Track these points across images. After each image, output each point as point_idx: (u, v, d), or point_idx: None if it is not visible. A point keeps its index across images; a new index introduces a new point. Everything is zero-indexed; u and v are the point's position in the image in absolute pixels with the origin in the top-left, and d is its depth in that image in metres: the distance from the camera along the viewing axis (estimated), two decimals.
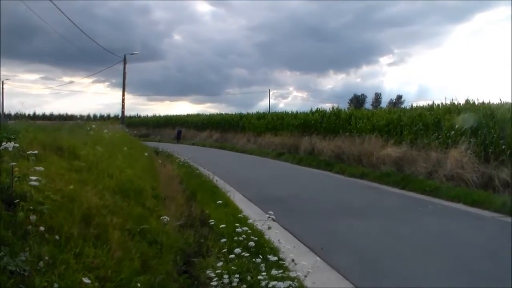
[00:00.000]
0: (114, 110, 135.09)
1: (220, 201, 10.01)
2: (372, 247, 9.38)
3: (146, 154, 19.58)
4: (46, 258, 4.39)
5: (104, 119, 64.03)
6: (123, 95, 51.20)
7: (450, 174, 16.78)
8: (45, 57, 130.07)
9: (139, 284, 4.97)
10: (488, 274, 7.69)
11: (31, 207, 4.95)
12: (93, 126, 17.01)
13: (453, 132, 17.79)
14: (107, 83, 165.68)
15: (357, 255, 8.80)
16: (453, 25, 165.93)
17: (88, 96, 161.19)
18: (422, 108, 24.09)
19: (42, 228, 4.63)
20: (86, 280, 4.31)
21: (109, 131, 17.60)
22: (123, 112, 52.37)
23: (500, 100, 19.35)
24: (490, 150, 15.95)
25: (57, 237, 4.85)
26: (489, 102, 19.96)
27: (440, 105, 22.67)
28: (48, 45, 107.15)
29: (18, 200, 4.98)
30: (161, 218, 7.46)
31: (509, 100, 19.11)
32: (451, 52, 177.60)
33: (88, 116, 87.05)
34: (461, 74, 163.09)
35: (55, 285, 4.06)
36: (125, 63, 49.86)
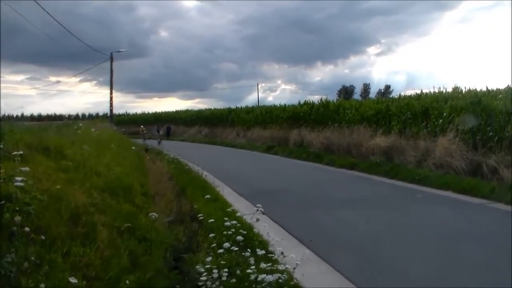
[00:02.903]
0: (102, 108, 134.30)
1: (208, 196, 9.99)
2: (362, 237, 9.42)
3: (133, 148, 19.54)
4: (33, 258, 4.37)
5: (92, 118, 63.99)
6: (111, 93, 51.14)
7: (439, 162, 16.85)
8: (30, 57, 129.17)
9: (128, 282, 4.95)
10: (478, 260, 7.73)
11: (17, 208, 4.92)
12: (80, 125, 16.94)
13: (441, 120, 17.84)
14: (94, 82, 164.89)
15: (347, 245, 8.84)
16: (440, 12, 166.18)
17: (75, 95, 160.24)
18: (410, 97, 24.12)
19: (27, 229, 4.59)
20: (72, 280, 4.29)
21: (97, 129, 17.54)
22: (111, 110, 52.23)
23: (487, 87, 19.48)
24: (478, 137, 16.00)
25: (42, 237, 4.82)
26: (476, 89, 20.06)
27: (428, 93, 22.77)
28: (34, 45, 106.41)
29: (3, 202, 4.94)
30: (150, 214, 7.45)
31: (495, 87, 19.24)
32: (439, 40, 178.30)
33: (77, 115, 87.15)
34: (449, 62, 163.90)
35: (42, 285, 4.04)
36: (112, 61, 49.73)
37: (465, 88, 20.83)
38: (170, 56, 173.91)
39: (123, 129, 42.73)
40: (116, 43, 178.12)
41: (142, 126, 53.09)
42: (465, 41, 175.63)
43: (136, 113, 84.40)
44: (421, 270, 7.32)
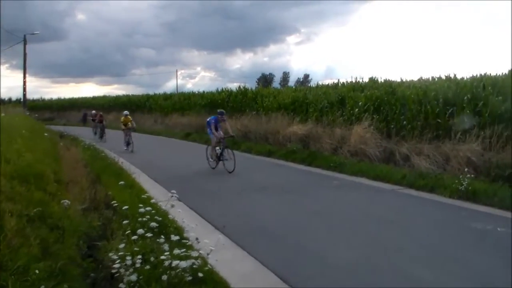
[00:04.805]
0: (16, 93, 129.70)
1: (122, 182, 9.85)
2: (277, 222, 9.50)
3: (46, 134, 19.05)
4: None
5: (4, 103, 61.78)
6: (24, 77, 49.78)
7: (354, 149, 17.29)
8: None
9: (37, 271, 4.82)
10: (390, 242, 7.96)
11: None
12: None
13: (356, 109, 18.24)
14: (6, 65, 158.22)
15: (262, 231, 8.88)
16: (358, 4, 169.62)
17: None
18: (328, 86, 24.66)
19: None
20: None
21: (7, 114, 16.98)
22: (24, 95, 50.86)
23: (401, 78, 20.16)
24: (392, 126, 16.45)
25: None
26: (391, 80, 20.75)
27: (345, 83, 23.29)
28: None
29: None
30: (62, 202, 7.27)
31: (409, 78, 19.92)
32: (357, 31, 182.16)
33: None
34: (367, 53, 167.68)
35: None
36: (25, 43, 48.35)
37: (381, 78, 21.48)
38: (87, 40, 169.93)
39: (36, 115, 41.59)
40: (30, 25, 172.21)
41: (126, 113, 28.28)
42: (381, 33, 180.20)
43: (52, 99, 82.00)
44: (336, 253, 7.45)
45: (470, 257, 7.22)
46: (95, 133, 34.64)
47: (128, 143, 24.95)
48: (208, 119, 18.26)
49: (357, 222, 9.53)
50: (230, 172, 16.03)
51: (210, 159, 17.73)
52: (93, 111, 39.77)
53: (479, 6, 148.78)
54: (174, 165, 18.55)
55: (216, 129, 17.62)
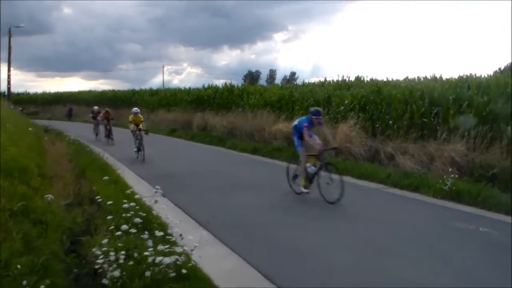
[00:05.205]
0: None
1: (106, 177, 9.77)
2: (261, 220, 9.53)
3: (30, 129, 18.92)
4: None
5: None
6: (9, 70, 49.50)
7: (339, 148, 17.27)
8: None
9: (19, 266, 4.79)
10: (374, 241, 8.00)
11: None
12: None
13: (342, 108, 18.26)
14: None
15: (245, 228, 8.90)
16: (345, 2, 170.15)
17: None
18: (314, 84, 24.68)
19: None
20: None
21: None
22: (9, 88, 50.50)
23: (387, 78, 20.24)
24: (377, 125, 16.50)
25: None
26: (377, 79, 20.83)
27: (332, 81, 23.34)
28: None
29: None
30: (45, 196, 7.23)
31: (395, 77, 19.99)
32: (344, 29, 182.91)
33: None
34: (354, 51, 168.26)
35: None
36: (10, 36, 47.96)
37: (367, 77, 21.57)
38: (73, 34, 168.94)
39: (21, 109, 41.35)
40: (15, 18, 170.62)
41: (136, 110, 21.03)
42: (369, 31, 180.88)
43: (37, 93, 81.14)
44: (318, 251, 7.46)
45: (453, 256, 7.28)
46: (97, 134, 29.80)
47: (138, 149, 19.68)
48: (295, 122, 12.54)
49: (341, 220, 9.56)
50: (331, 203, 10.81)
51: (303, 177, 12.05)
52: (95, 107, 32.97)
53: (470, 4, 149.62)
54: (159, 161, 18.53)
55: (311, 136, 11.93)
